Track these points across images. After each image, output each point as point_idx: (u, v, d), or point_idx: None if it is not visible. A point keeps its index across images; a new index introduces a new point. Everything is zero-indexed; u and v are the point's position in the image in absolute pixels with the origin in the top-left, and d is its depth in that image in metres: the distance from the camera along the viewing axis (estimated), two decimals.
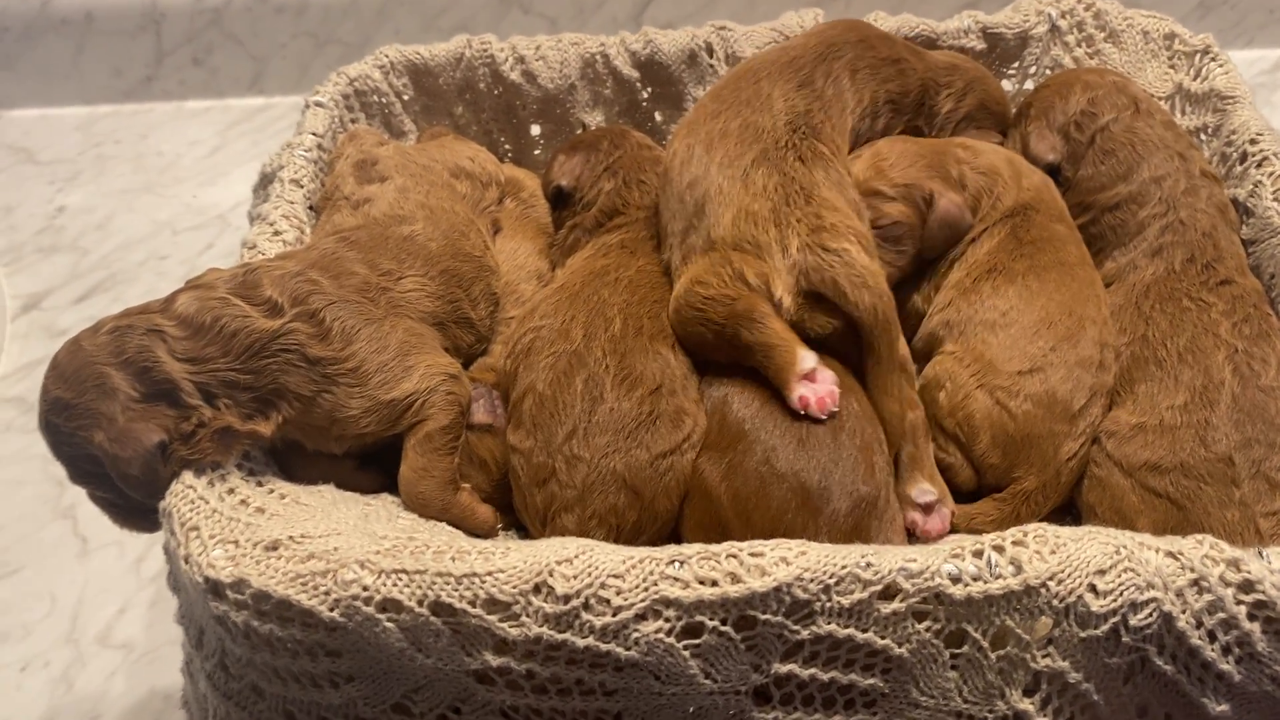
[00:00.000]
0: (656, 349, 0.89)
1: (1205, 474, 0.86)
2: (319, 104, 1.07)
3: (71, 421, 0.78)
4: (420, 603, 0.69)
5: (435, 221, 0.95)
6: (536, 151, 1.22)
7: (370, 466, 0.88)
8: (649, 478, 0.85)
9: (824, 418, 0.83)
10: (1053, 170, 1.04)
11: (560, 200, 1.08)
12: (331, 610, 0.70)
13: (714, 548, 0.70)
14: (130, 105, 1.77)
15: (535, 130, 1.20)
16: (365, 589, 0.69)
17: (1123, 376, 0.93)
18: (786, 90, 0.98)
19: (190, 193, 1.63)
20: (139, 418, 0.77)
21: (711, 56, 1.14)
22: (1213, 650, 0.69)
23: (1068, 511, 0.95)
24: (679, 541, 0.86)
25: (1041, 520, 0.91)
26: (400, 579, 0.70)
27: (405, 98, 1.15)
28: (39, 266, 1.52)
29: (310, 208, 0.99)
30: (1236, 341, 0.90)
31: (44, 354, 1.41)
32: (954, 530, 0.91)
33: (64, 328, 1.44)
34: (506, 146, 1.21)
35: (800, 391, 0.84)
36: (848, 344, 0.89)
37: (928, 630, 0.70)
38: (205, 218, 1.59)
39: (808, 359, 0.84)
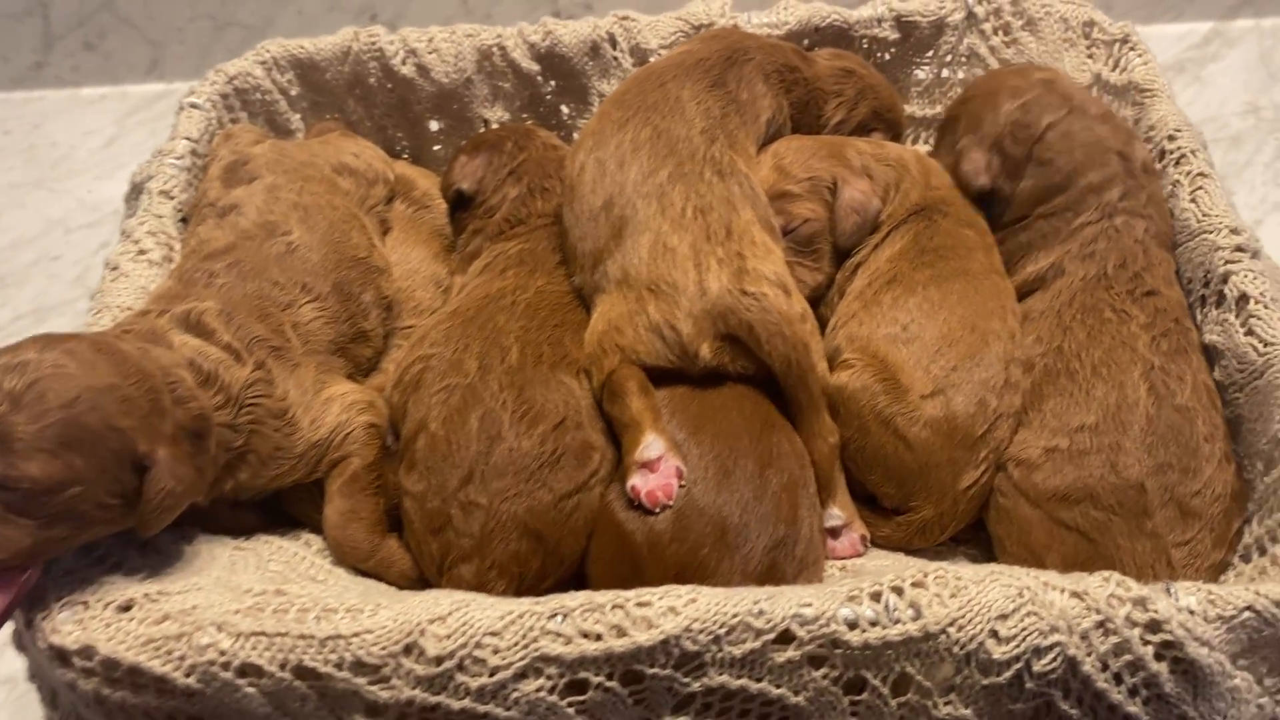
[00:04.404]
0: (559, 379, 0.84)
1: (1115, 503, 0.82)
2: (194, 105, 1.01)
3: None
4: (282, 666, 0.65)
5: (310, 224, 0.89)
6: (436, 147, 1.15)
7: (244, 505, 0.83)
8: (553, 520, 0.80)
9: (656, 511, 0.78)
10: (985, 194, 0.97)
11: (461, 204, 1.01)
12: (187, 676, 0.65)
13: (599, 597, 0.67)
14: (20, 93, 1.67)
15: (434, 126, 1.14)
16: (222, 653, 0.65)
17: (1033, 391, 0.88)
18: (698, 91, 0.93)
19: (85, 187, 1.54)
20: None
21: (615, 48, 1.07)
22: (1119, 693, 0.66)
23: (982, 529, 0.91)
24: (584, 580, 0.82)
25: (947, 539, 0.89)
26: (260, 642, 0.65)
27: (292, 94, 1.09)
28: None
29: (183, 220, 0.93)
30: (1154, 357, 0.85)
31: None
32: None
33: None
34: (404, 143, 1.15)
35: (632, 480, 0.79)
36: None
37: (825, 678, 0.67)
38: (100, 214, 1.50)
39: (652, 447, 0.79)
